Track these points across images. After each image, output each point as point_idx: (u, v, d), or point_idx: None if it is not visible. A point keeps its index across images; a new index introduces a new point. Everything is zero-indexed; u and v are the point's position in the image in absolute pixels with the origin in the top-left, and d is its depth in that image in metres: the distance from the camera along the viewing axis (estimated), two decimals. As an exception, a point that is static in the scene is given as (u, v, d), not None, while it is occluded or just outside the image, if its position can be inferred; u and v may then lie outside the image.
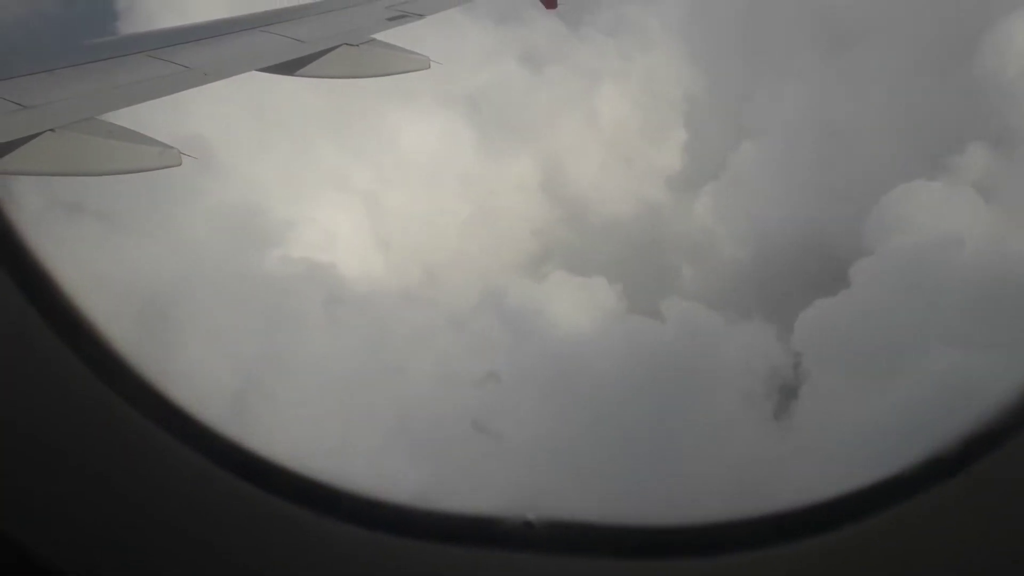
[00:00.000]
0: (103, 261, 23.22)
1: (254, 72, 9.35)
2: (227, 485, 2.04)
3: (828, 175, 28.79)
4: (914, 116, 28.08)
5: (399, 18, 9.32)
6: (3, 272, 2.03)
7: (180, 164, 8.89)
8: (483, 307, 24.95)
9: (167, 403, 2.11)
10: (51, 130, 8.24)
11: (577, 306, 24.87)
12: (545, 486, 19.37)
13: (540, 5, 10.76)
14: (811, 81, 29.07)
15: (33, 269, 2.09)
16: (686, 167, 30.27)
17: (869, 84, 28.38)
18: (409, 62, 9.25)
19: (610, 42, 31.78)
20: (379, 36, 9.33)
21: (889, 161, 27.68)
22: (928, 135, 27.32)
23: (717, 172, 29.29)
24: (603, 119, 31.09)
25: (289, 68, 9.11)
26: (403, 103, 26.99)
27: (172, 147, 8.80)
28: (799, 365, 23.59)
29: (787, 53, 29.59)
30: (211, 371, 21.61)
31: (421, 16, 9.50)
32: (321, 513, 2.01)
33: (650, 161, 30.81)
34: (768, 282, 27.71)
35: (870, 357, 21.95)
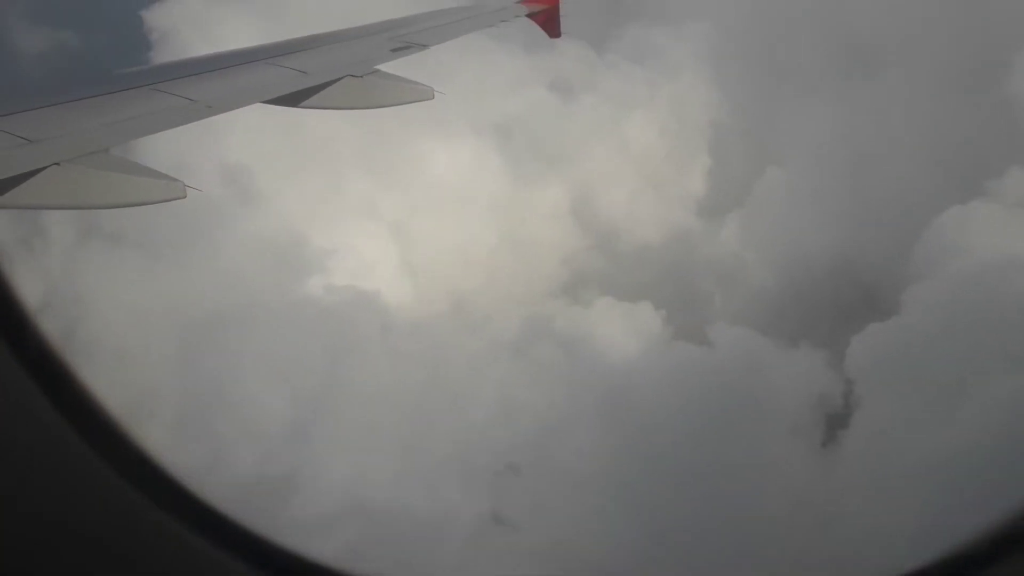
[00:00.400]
0: (147, 291, 23.46)
1: (260, 104, 9.41)
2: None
3: (859, 200, 28.45)
4: (946, 140, 27.69)
5: (402, 49, 9.35)
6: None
7: (185, 197, 8.91)
8: (530, 335, 24.88)
9: (172, 485, 2.10)
10: (56, 164, 8.27)
11: (624, 332, 24.69)
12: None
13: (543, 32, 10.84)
14: (838, 106, 28.87)
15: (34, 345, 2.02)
16: (713, 193, 30.11)
17: (898, 109, 28.10)
18: (413, 92, 9.25)
19: (636, 69, 31.77)
20: (383, 67, 9.35)
21: (924, 186, 27.28)
22: (963, 158, 26.91)
23: (743, 198, 29.12)
24: (629, 146, 31.02)
25: (293, 100, 9.14)
26: (434, 130, 27.18)
27: (177, 180, 8.82)
28: (851, 393, 23.11)
29: (813, 78, 29.42)
30: (261, 401, 21.72)
31: (424, 47, 9.52)
32: None
33: (677, 188, 30.67)
34: (803, 308, 27.33)
35: (928, 385, 21.39)
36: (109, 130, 8.60)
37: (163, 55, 26.48)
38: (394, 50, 9.40)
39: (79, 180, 8.40)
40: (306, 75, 9.19)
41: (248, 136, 22.85)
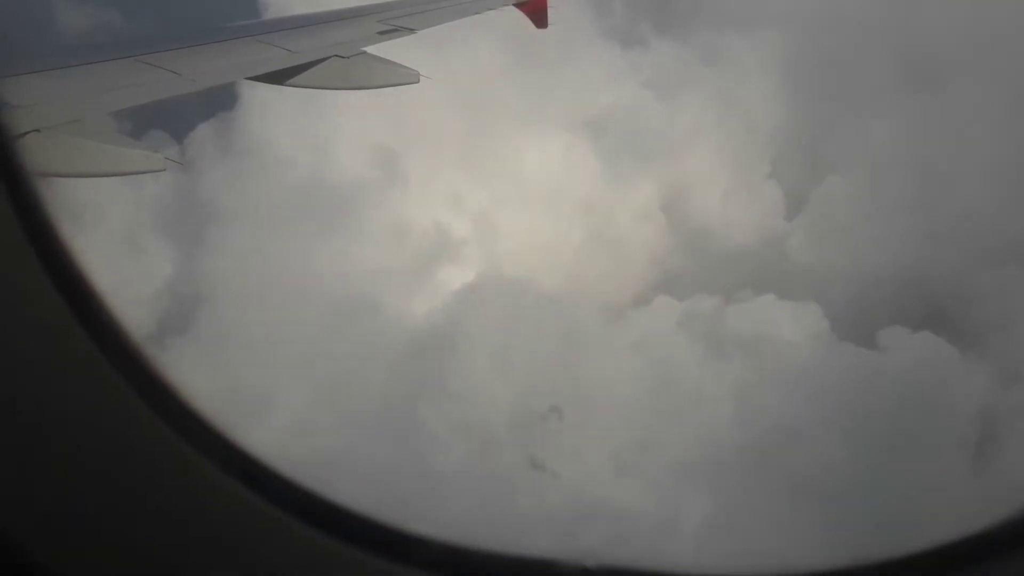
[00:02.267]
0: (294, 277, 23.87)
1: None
2: (235, 495, 1.98)
3: (929, 215, 27.64)
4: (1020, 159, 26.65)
5: (389, 32, 9.32)
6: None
7: (164, 169, 9.06)
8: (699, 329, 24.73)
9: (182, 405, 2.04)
10: (36, 131, 8.42)
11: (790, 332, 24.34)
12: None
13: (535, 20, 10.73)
14: (904, 118, 28.01)
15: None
16: (776, 200, 29.62)
17: (968, 125, 27.11)
18: (398, 75, 9.24)
19: (708, 71, 31.39)
20: (370, 49, 9.33)
21: (999, 202, 26.40)
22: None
23: (802, 206, 28.58)
24: (701, 148, 30.72)
25: (279, 78, 9.18)
26: (531, 125, 27.57)
27: (157, 152, 8.97)
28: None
29: (878, 89, 28.62)
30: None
31: (412, 31, 9.48)
32: (364, 549, 1.97)
33: (745, 193, 30.21)
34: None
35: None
36: (92, 99, 8.75)
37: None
38: (381, 33, 9.38)
39: (59, 147, 8.56)
40: (293, 54, 9.22)
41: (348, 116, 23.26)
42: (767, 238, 28.62)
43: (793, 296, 25.56)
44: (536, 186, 27.89)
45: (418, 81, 9.22)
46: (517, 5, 10.65)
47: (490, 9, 10.36)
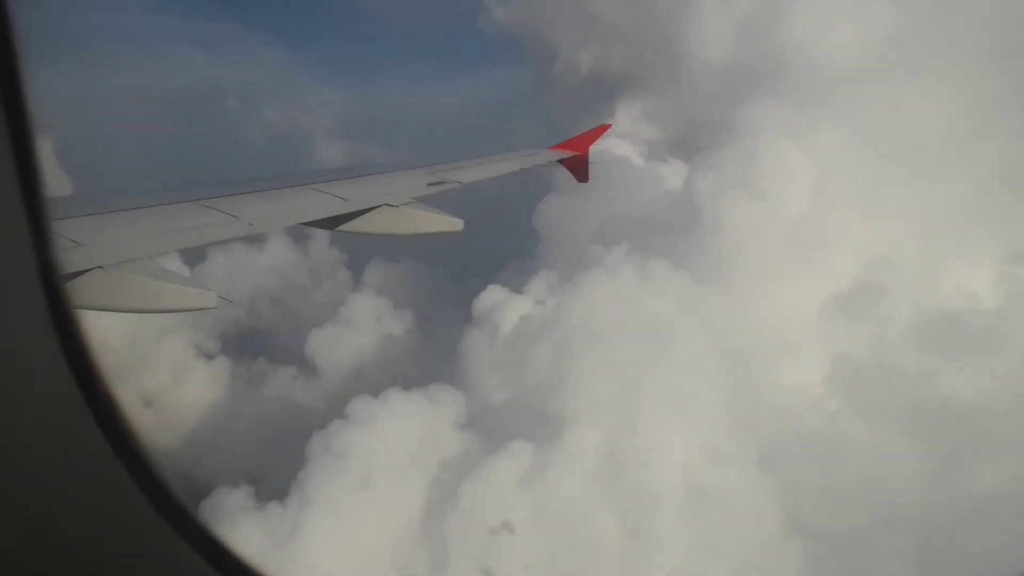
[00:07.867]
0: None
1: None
2: None
3: None
4: None
5: (438, 184, 9.80)
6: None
7: (215, 307, 9.41)
8: None
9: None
10: (100, 267, 8.84)
11: None
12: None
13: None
14: None
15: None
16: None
17: None
18: (443, 224, 9.64)
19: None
20: (418, 199, 9.80)
21: None
22: None
23: None
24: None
25: (331, 223, 9.60)
26: None
27: (210, 290, 9.35)
28: None
29: None
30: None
31: (459, 183, 9.96)
32: None
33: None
34: None
35: None
36: (154, 240, 9.21)
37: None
38: (430, 184, 9.86)
39: (119, 284, 8.96)
40: (346, 201, 9.67)
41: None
42: None
43: None
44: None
45: (461, 229, 9.62)
46: (560, 161, 11.18)
47: (536, 165, 10.90)
